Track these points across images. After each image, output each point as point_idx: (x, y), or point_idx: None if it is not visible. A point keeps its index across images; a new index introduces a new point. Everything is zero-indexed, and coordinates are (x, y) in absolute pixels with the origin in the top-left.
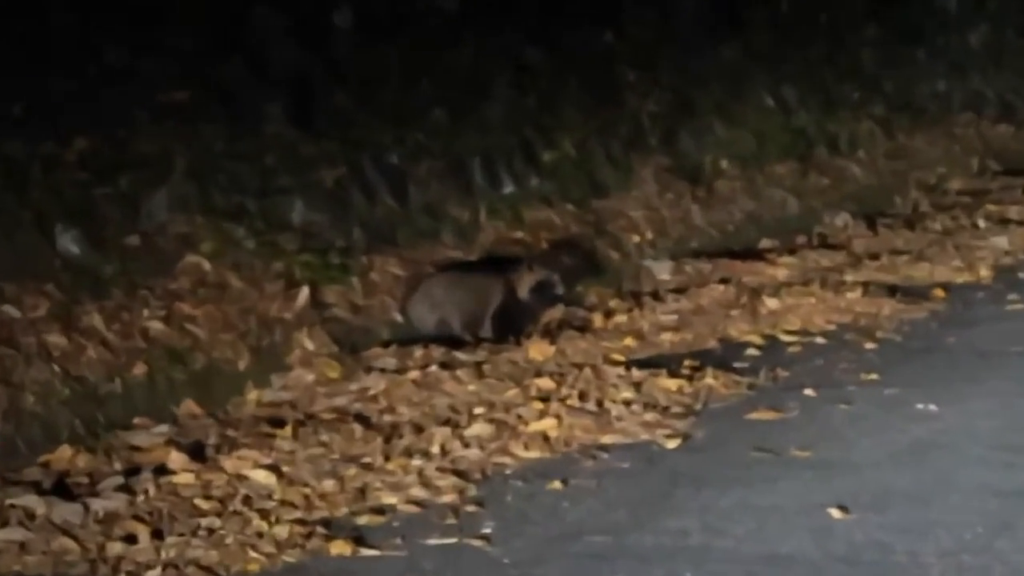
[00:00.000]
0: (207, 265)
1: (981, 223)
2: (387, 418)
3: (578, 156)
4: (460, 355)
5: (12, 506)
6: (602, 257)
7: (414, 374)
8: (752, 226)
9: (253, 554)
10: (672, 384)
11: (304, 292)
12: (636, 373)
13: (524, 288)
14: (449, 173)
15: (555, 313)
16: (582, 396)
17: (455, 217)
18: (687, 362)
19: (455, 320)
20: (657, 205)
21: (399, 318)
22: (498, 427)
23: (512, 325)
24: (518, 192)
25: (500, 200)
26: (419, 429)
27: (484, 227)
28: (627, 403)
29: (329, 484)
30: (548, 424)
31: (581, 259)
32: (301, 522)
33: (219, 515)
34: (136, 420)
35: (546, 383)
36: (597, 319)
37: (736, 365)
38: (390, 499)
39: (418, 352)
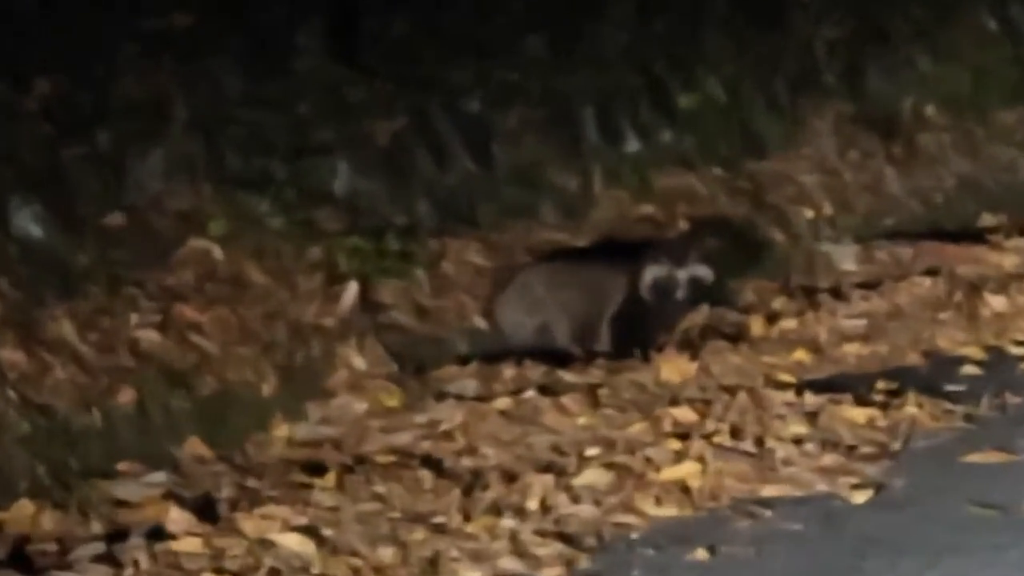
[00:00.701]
0: (218, 252)
1: None
2: (466, 462)
3: (727, 101)
4: (567, 376)
5: None
6: (762, 240)
7: (503, 402)
8: (969, 196)
9: None
10: (860, 415)
11: (352, 290)
12: (810, 400)
13: (654, 284)
14: (550, 125)
15: (697, 317)
16: (735, 432)
17: (559, 186)
18: (880, 384)
19: (560, 328)
20: (837, 168)
21: (483, 325)
22: (619, 474)
23: (638, 334)
24: (645, 151)
25: (621, 162)
26: (511, 477)
27: (599, 199)
28: (797, 441)
29: (387, 553)
30: (688, 470)
31: (733, 243)
32: None
33: None
34: (122, 465)
35: (685, 414)
36: (756, 325)
37: (948, 388)
38: (471, 573)
39: (509, 372)
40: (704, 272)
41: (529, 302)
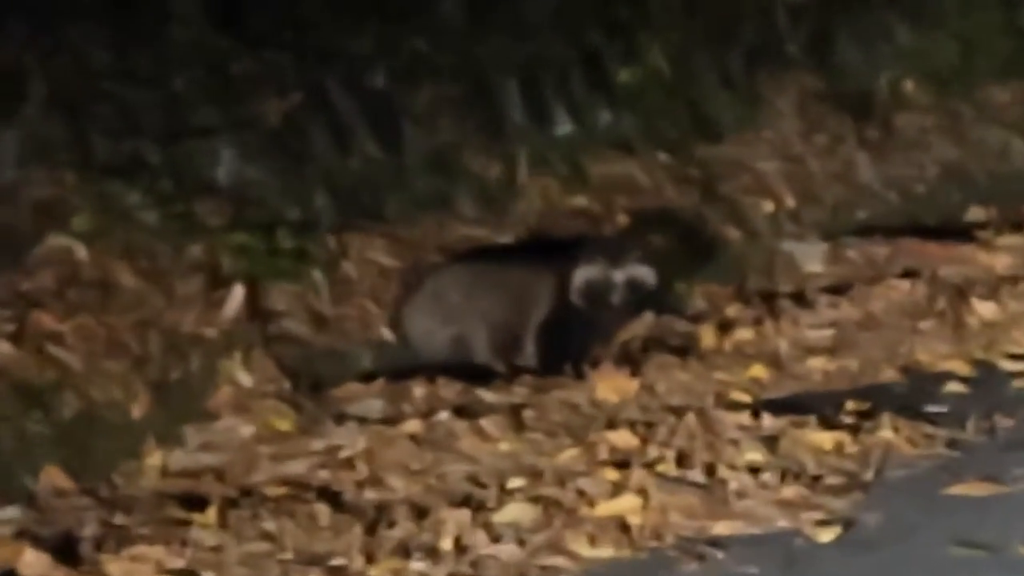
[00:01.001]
0: (82, 251)
1: None
2: (370, 495)
3: (674, 75)
4: (486, 395)
5: None
6: (714, 237)
7: (413, 425)
8: (954, 187)
9: None
10: (826, 440)
11: (238, 295)
12: (769, 422)
13: (589, 288)
14: (467, 102)
15: (638, 327)
16: (682, 460)
17: (477, 173)
18: (850, 404)
19: (479, 339)
20: (802, 153)
21: (390, 336)
22: (547, 509)
23: (569, 346)
24: (578, 133)
25: (550, 146)
26: (421, 513)
27: (524, 189)
28: (754, 470)
29: None
30: (627, 505)
31: (680, 241)
32: None
33: None
34: None
35: (624, 439)
36: (707, 336)
37: (929, 409)
38: None
39: (420, 391)
40: (646, 274)
41: (443, 309)
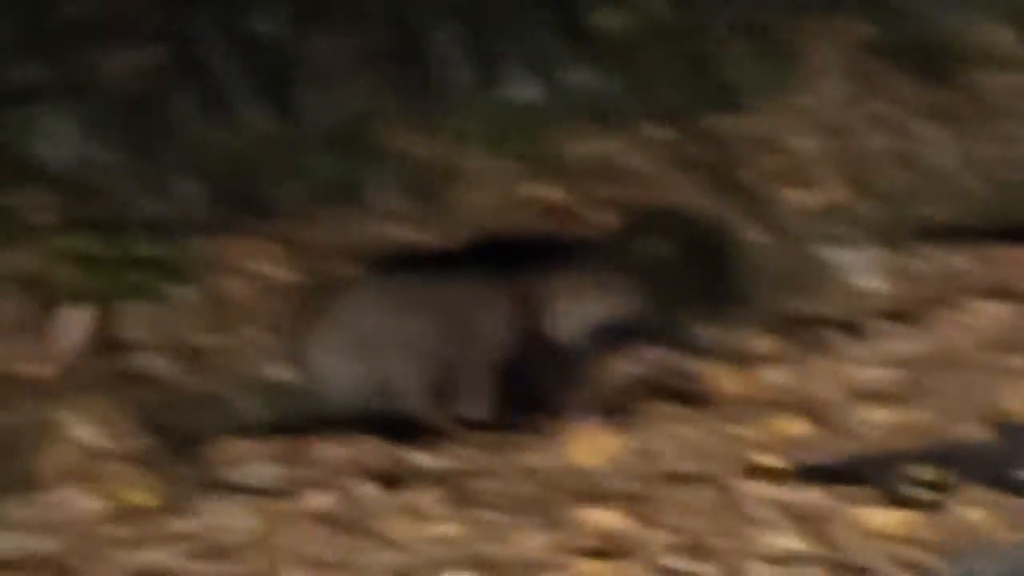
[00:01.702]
0: None
1: None
2: None
3: (674, 22)
4: (421, 458)
5: None
6: (731, 242)
7: (320, 500)
8: None
9: None
10: (888, 520)
11: (76, 320)
12: (808, 496)
13: (564, 314)
14: (386, 56)
15: (630, 366)
16: (692, 548)
17: (402, 152)
18: (921, 472)
19: (408, 380)
20: (850, 125)
21: (285, 376)
22: None
23: (533, 392)
24: (542, 98)
25: (506, 117)
26: None
27: (471, 176)
28: (786, 562)
29: None
30: None
31: (685, 247)
32: None
33: None
34: None
35: (611, 519)
36: (724, 378)
37: None
38: None
39: (328, 451)
40: (639, 295)
41: (359, 339)
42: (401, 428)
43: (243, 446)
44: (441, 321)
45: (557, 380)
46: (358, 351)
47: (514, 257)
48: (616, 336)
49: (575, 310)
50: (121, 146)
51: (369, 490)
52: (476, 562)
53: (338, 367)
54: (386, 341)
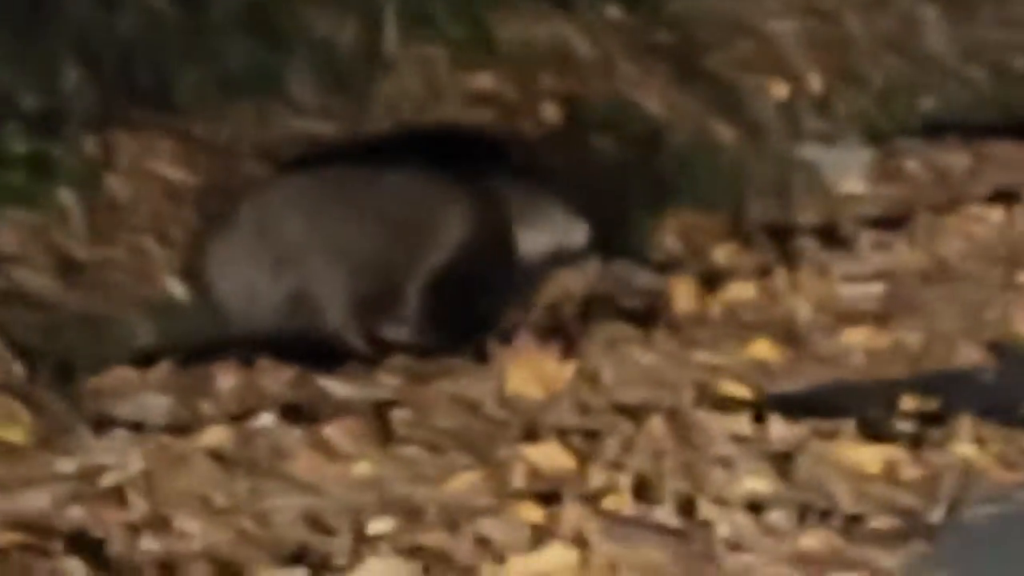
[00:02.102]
0: None
1: None
2: (150, 545)
3: None
4: (336, 387)
5: None
6: (697, 138)
7: (217, 435)
8: None
9: None
10: (871, 457)
11: None
12: (781, 431)
13: (523, 233)
14: None
15: (575, 281)
16: (643, 490)
17: (321, 38)
18: (909, 402)
19: (330, 295)
20: (834, 5)
21: (182, 293)
22: (430, 569)
23: (465, 312)
24: None
25: None
26: (232, 570)
27: (395, 63)
28: (756, 508)
29: None
30: (557, 561)
31: (642, 144)
32: None
33: None
34: None
35: (552, 456)
36: (683, 294)
37: None
38: None
39: (228, 380)
40: (588, 202)
41: (271, 248)
42: (314, 352)
43: (131, 375)
44: (380, 223)
45: (493, 300)
46: (269, 262)
47: (449, 153)
48: (565, 249)
49: (537, 233)
50: None
51: (274, 423)
52: (398, 507)
53: (244, 280)
54: (304, 249)
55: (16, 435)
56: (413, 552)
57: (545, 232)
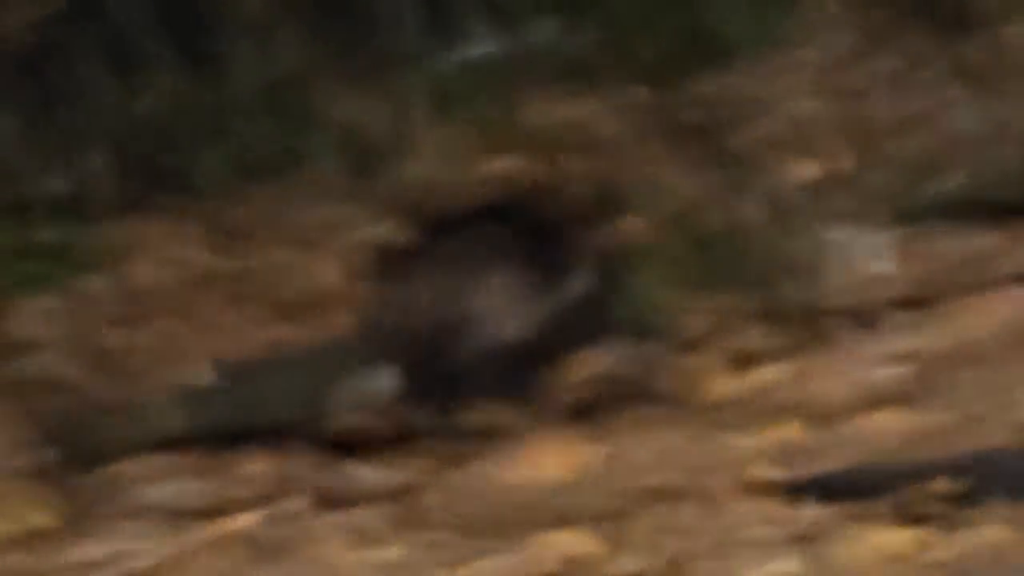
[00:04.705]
0: None
1: None
2: None
3: None
4: (361, 472)
5: None
6: (722, 220)
7: (247, 520)
8: None
9: None
10: (901, 538)
11: None
12: (810, 514)
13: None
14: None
15: (597, 362)
16: (673, 571)
17: (340, 116)
18: (939, 484)
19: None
20: (860, 85)
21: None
22: None
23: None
24: (505, 55)
25: (459, 75)
26: None
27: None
28: None
29: None
30: None
31: (667, 225)
32: None
33: None
34: None
35: (579, 541)
36: (711, 377)
37: None
38: None
39: (257, 466)
40: (608, 280)
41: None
42: (342, 438)
43: (158, 460)
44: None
45: (503, 383)
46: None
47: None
48: (584, 325)
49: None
50: (14, 112)
51: (304, 509)
52: None
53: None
54: None
55: (45, 521)
56: None
57: (537, 298)
